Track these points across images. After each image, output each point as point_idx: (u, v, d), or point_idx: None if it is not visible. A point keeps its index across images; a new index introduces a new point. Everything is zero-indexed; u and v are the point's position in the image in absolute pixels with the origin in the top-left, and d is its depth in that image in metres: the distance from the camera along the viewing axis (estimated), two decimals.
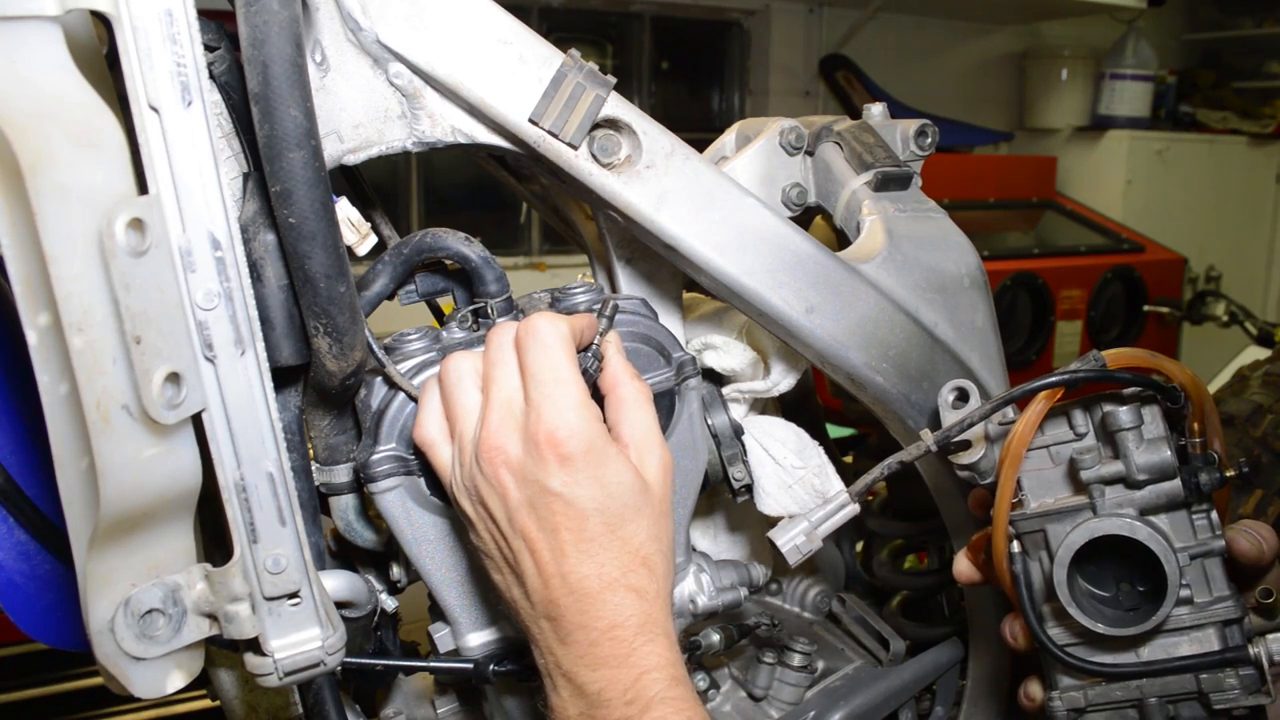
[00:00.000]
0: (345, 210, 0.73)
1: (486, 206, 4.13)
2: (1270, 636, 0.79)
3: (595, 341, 0.77)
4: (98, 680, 0.71)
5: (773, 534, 0.83)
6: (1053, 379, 0.79)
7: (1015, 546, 0.82)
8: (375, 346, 0.76)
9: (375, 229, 0.85)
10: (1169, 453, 0.78)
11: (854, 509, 0.83)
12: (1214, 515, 0.80)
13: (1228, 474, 0.78)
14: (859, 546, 1.33)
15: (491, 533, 0.71)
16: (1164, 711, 0.81)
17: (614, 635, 0.67)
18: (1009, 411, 0.82)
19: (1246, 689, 0.79)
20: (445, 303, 0.90)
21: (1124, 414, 0.78)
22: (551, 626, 0.69)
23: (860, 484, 0.83)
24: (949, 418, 0.82)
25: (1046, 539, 0.82)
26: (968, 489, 0.91)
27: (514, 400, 0.70)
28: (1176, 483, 0.78)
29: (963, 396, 0.83)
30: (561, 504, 0.68)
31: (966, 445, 0.83)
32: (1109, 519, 0.78)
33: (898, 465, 0.82)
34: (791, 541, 0.82)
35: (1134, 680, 0.81)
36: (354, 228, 0.74)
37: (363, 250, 0.75)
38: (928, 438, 0.81)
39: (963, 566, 0.90)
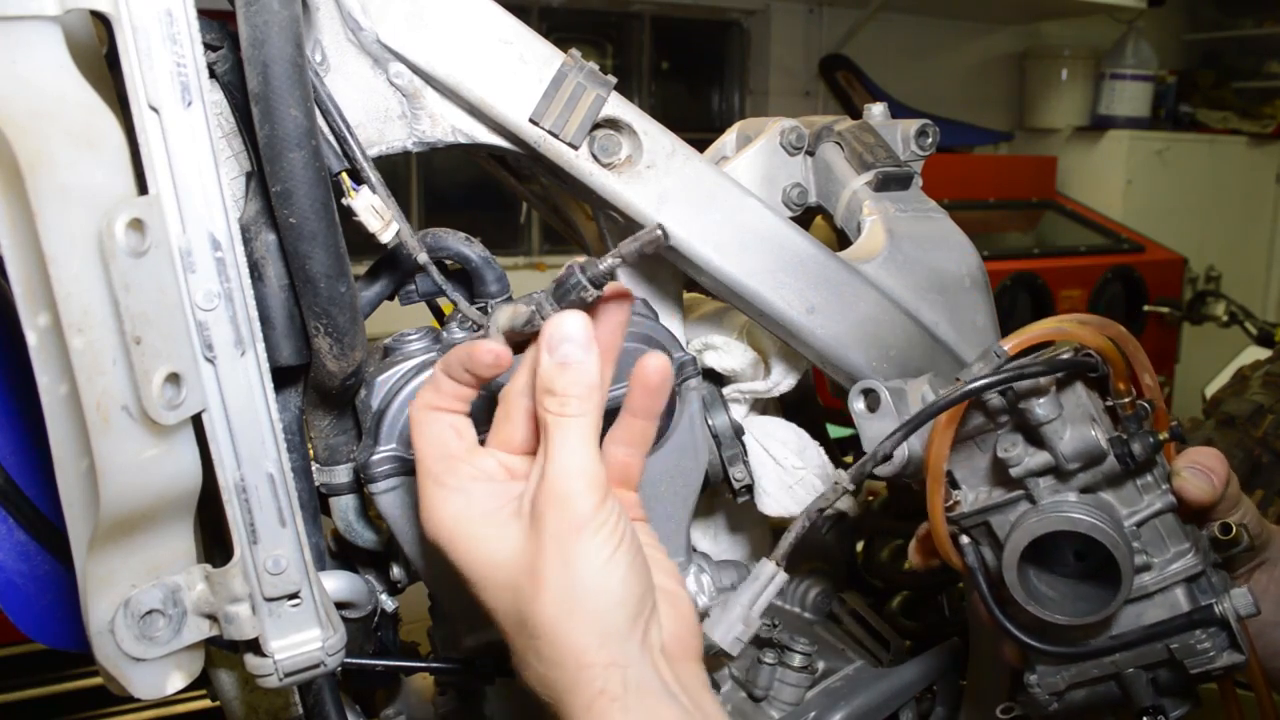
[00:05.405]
0: (368, 198, 0.72)
1: (486, 206, 4.13)
2: (1234, 592, 0.77)
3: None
4: (98, 680, 0.70)
5: (706, 629, 0.76)
6: (953, 397, 0.73)
7: (965, 539, 0.80)
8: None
9: None
10: (1095, 433, 0.74)
11: (784, 576, 0.77)
12: (1159, 468, 0.77)
13: (1161, 437, 0.75)
14: (859, 546, 1.33)
15: None
16: (1143, 678, 0.79)
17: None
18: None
19: (1220, 648, 0.77)
20: (445, 303, 0.90)
21: (1040, 410, 0.73)
22: None
23: (782, 547, 0.77)
24: (863, 426, 0.77)
25: (991, 529, 0.79)
26: None
27: None
28: (1111, 460, 0.75)
29: (873, 402, 0.78)
30: None
31: (888, 456, 0.78)
32: (1048, 516, 0.75)
33: (817, 514, 0.77)
34: (730, 634, 0.76)
35: (1107, 656, 0.79)
36: (377, 214, 0.72)
37: (386, 237, 0.73)
38: (843, 479, 0.76)
39: (916, 561, 0.87)
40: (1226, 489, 0.78)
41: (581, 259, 0.61)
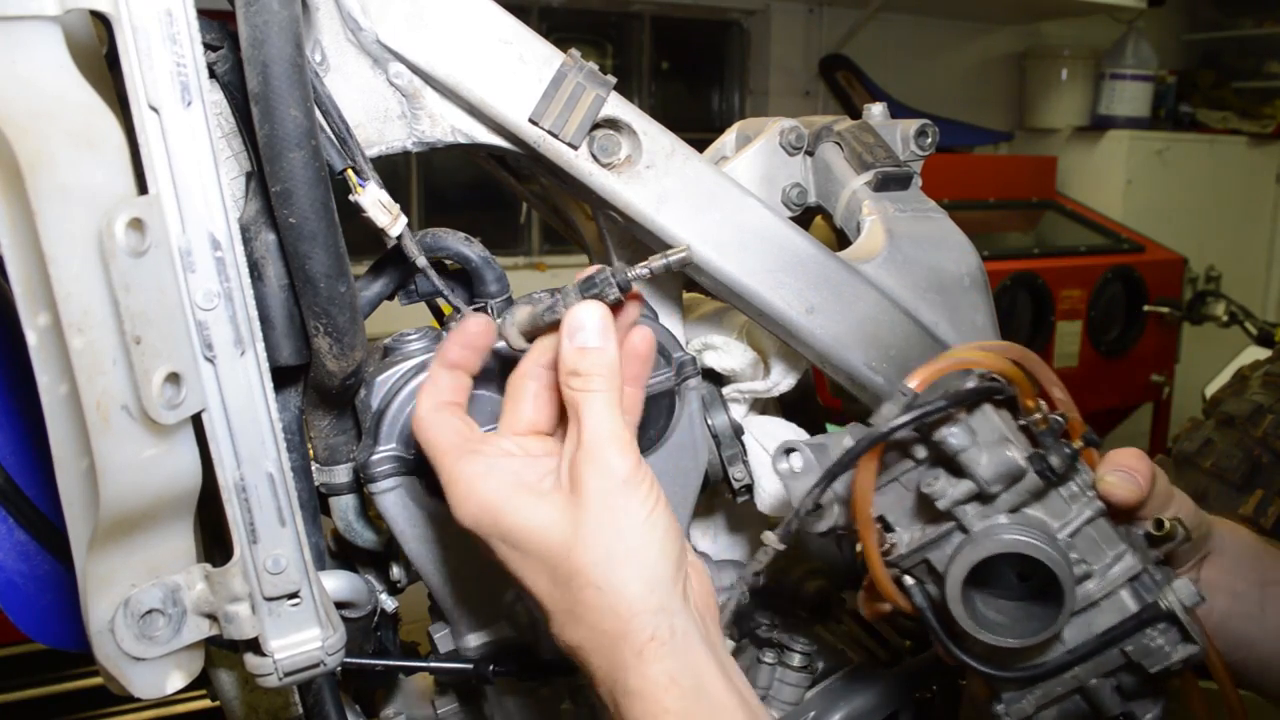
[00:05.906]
0: (376, 193, 0.72)
1: (486, 206, 4.13)
2: (1176, 584, 0.77)
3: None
4: (98, 680, 0.71)
5: None
6: (863, 444, 0.73)
7: (909, 580, 0.80)
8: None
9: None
10: (1012, 453, 0.74)
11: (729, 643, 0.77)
12: (1082, 476, 0.77)
13: (1076, 445, 0.76)
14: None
15: None
16: (1107, 687, 0.79)
17: None
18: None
19: (1173, 643, 0.76)
20: (445, 303, 0.90)
21: (953, 439, 0.74)
22: None
23: (725, 616, 0.76)
24: (790, 487, 0.77)
25: (931, 565, 0.79)
26: None
27: None
28: (1033, 476, 0.75)
29: (796, 461, 0.77)
30: None
31: (819, 511, 0.78)
32: (981, 541, 0.75)
33: (753, 578, 0.77)
34: None
35: (1066, 671, 0.79)
36: (385, 209, 0.72)
37: (395, 230, 0.73)
38: (771, 540, 0.76)
39: (867, 612, 0.86)
40: (1154, 486, 0.78)
41: (610, 267, 0.65)
